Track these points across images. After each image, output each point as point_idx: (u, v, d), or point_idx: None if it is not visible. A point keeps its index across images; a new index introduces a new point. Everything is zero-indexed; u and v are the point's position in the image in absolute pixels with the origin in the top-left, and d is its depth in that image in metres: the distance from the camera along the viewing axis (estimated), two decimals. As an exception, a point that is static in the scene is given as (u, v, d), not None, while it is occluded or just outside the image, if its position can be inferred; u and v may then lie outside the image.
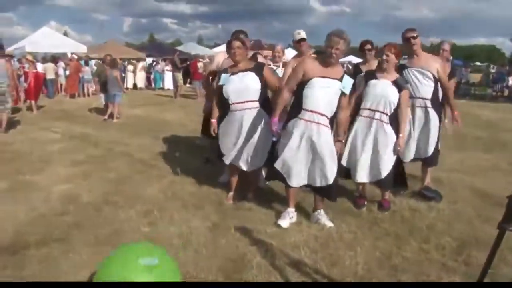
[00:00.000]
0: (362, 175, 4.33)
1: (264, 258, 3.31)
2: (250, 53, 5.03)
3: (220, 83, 4.33)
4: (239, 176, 4.64)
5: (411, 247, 3.59)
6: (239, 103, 4.23)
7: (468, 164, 6.48)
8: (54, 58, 17.55)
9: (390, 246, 3.61)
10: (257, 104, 4.25)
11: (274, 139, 4.16)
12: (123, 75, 19.23)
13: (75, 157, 6.58)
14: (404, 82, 4.36)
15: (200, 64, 17.39)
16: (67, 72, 17.20)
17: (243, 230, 3.79)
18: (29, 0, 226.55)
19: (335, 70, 3.86)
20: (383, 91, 4.18)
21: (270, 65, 5.25)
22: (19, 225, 3.91)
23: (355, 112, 4.33)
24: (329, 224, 3.99)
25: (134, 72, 21.64)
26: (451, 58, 5.25)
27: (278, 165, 4.00)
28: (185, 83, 18.64)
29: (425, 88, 4.64)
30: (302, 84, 3.85)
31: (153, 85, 22.37)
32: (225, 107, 4.34)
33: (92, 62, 18.48)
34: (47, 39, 19.65)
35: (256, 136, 4.27)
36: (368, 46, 5.21)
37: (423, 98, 4.65)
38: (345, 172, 4.40)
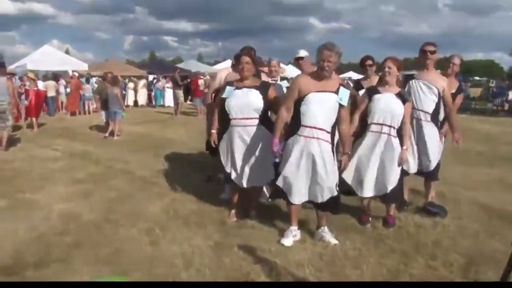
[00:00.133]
0: (368, 190, 4.27)
1: (268, 277, 3.24)
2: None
3: (223, 96, 4.30)
4: (240, 194, 4.58)
5: (418, 264, 3.52)
6: (240, 119, 4.21)
7: (471, 178, 6.43)
8: (56, 76, 17.62)
9: (397, 264, 3.54)
10: (257, 122, 4.22)
11: (276, 160, 4.10)
12: (124, 92, 19.28)
13: (75, 175, 6.53)
14: (407, 94, 4.34)
15: (201, 81, 17.46)
16: (68, 90, 17.26)
17: (246, 248, 3.73)
18: (31, 19, 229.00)
19: (329, 83, 3.84)
20: (388, 105, 4.16)
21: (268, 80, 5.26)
22: (18, 244, 3.84)
23: (361, 129, 4.30)
24: (334, 241, 3.92)
25: (135, 89, 21.70)
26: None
27: (279, 182, 3.96)
28: (185, 100, 18.68)
29: (428, 102, 4.61)
30: (298, 101, 3.84)
31: (153, 102, 22.40)
32: (225, 121, 4.31)
33: (93, 79, 18.55)
34: (48, 57, 19.73)
35: (256, 153, 4.23)
36: (369, 62, 5.21)
37: (424, 111, 4.62)
38: (348, 189, 4.34)
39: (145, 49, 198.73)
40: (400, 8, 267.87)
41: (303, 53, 5.12)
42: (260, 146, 4.22)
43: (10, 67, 16.87)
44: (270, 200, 4.48)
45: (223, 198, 5.11)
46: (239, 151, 4.28)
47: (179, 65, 28.38)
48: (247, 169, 4.30)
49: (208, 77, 19.85)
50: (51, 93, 15.64)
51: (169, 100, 20.94)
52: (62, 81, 17.84)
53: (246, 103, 4.19)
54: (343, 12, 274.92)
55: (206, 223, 4.42)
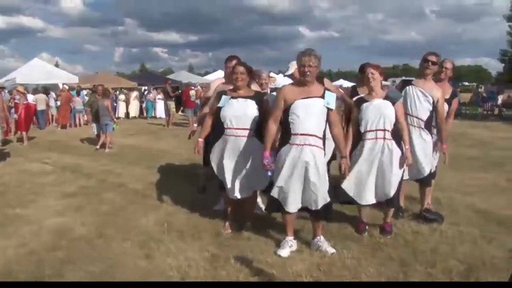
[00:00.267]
0: (370, 197, 4.23)
1: (266, 289, 3.18)
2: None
3: (219, 105, 4.25)
4: (235, 204, 4.52)
5: (417, 273, 3.48)
6: (235, 128, 4.15)
7: (466, 183, 6.42)
8: (46, 89, 17.48)
9: (396, 272, 3.49)
10: (252, 133, 4.17)
11: (269, 173, 4.03)
12: (115, 104, 19.18)
13: (67, 189, 6.43)
14: (395, 94, 4.34)
15: (192, 92, 17.39)
16: (58, 103, 17.13)
17: (243, 260, 3.66)
18: (20, 32, 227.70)
19: (314, 89, 3.83)
20: (378, 110, 4.14)
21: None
22: (9, 261, 3.75)
23: (356, 139, 4.27)
24: (331, 250, 3.87)
25: (126, 101, 21.60)
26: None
27: (274, 193, 3.91)
28: (177, 111, 18.60)
29: (423, 109, 4.60)
30: (286, 111, 3.82)
31: (145, 114, 22.32)
32: (220, 130, 4.25)
33: (84, 92, 18.44)
34: (38, 70, 19.57)
35: (248, 164, 4.18)
36: None
37: (418, 118, 4.61)
38: (349, 200, 4.29)
39: (135, 61, 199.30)
40: (389, 16, 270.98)
41: (292, 67, 5.03)
42: (253, 156, 4.16)
43: (0, 81, 16.71)
44: (265, 211, 4.37)
45: (217, 210, 5.05)
46: (232, 161, 4.21)
47: (170, 76, 28.40)
48: (239, 180, 4.24)
49: (199, 87, 19.85)
50: (41, 107, 15.50)
51: (160, 111, 20.88)
52: (52, 94, 17.71)
53: (243, 114, 4.14)
54: (332, 20, 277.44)
55: (201, 235, 4.35)
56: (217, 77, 23.26)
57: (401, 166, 4.18)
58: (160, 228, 4.57)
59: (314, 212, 3.90)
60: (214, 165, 4.37)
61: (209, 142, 4.42)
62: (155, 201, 5.68)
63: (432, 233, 4.33)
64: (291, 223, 4.03)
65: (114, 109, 17.61)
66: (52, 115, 17.58)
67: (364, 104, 4.22)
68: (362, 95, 4.42)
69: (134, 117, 21.40)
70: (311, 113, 3.75)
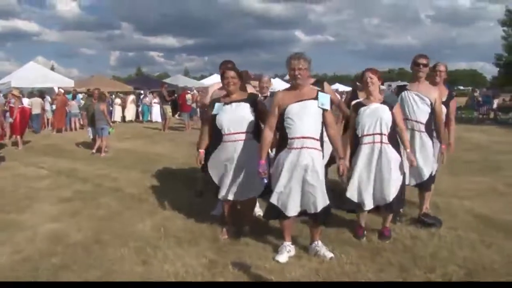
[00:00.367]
0: (369, 202, 4.20)
1: (265, 296, 3.14)
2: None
3: (213, 113, 4.23)
4: (233, 209, 4.48)
5: (417, 278, 3.45)
6: (232, 133, 4.13)
7: (464, 188, 6.40)
8: (41, 93, 17.39)
9: (396, 278, 3.46)
10: (250, 136, 4.15)
11: (265, 181, 3.99)
12: (111, 108, 19.11)
13: (62, 193, 6.37)
14: (392, 98, 4.33)
15: (188, 96, 17.37)
16: (54, 107, 17.04)
17: (241, 266, 3.62)
18: (16, 36, 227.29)
19: (307, 92, 3.82)
20: (375, 114, 4.12)
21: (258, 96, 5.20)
22: (2, 269, 3.69)
23: (354, 143, 4.25)
24: (329, 255, 3.83)
25: (122, 105, 21.54)
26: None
27: (273, 200, 3.85)
28: (173, 115, 18.55)
29: (421, 112, 4.60)
30: (281, 117, 3.81)
31: (141, 118, 22.26)
32: (217, 137, 4.23)
33: (80, 96, 18.36)
34: (33, 74, 19.51)
35: (248, 167, 4.14)
36: None
37: (417, 122, 4.60)
38: (353, 208, 4.27)
39: (131, 65, 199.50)
40: (384, 21, 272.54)
41: None
42: (251, 158, 4.13)
43: (-5, 85, 16.63)
44: (264, 218, 4.29)
45: (215, 215, 5.00)
46: (232, 166, 4.18)
47: (166, 80, 28.37)
48: (239, 183, 4.21)
49: (195, 91, 19.82)
50: (36, 111, 15.40)
51: (156, 115, 20.84)
52: (48, 98, 17.62)
53: (237, 118, 4.12)
54: (328, 25, 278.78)
55: (199, 240, 4.30)
56: (213, 81, 23.20)
57: (400, 170, 4.16)
58: (157, 233, 4.52)
59: (313, 216, 3.85)
60: (211, 172, 4.33)
61: (208, 150, 4.39)
62: (152, 206, 5.64)
63: (431, 238, 4.30)
64: (289, 228, 4.00)
65: (110, 113, 17.53)
66: (48, 119, 17.49)
67: (362, 109, 4.20)
68: (360, 100, 4.40)
69: (131, 121, 21.34)
70: (306, 116, 3.73)
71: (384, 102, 4.19)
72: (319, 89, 4.03)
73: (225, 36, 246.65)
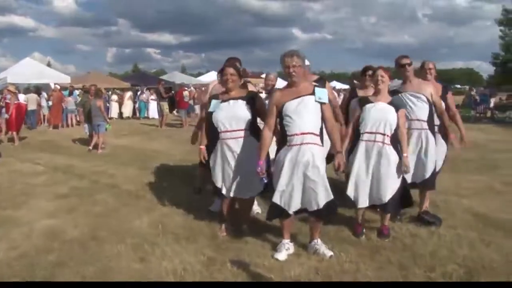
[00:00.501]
0: (363, 200, 4.19)
1: (264, 294, 3.11)
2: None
3: (210, 110, 4.19)
4: (231, 206, 4.45)
5: (417, 277, 3.43)
6: (228, 131, 4.09)
7: (462, 186, 6.39)
8: (38, 89, 17.28)
9: (396, 276, 3.43)
10: (247, 133, 4.11)
11: (264, 181, 3.94)
12: (108, 105, 19.03)
13: (59, 190, 6.32)
14: (400, 101, 4.31)
15: (185, 93, 17.31)
16: (50, 103, 16.95)
17: (240, 264, 3.59)
18: (12, 32, 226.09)
19: (303, 88, 3.80)
20: (381, 114, 4.11)
21: (261, 93, 5.17)
22: (-1, 264, 3.65)
23: (354, 140, 4.23)
24: (329, 253, 3.80)
25: (119, 101, 21.46)
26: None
27: (276, 199, 3.80)
28: (170, 112, 18.47)
29: (420, 110, 4.60)
30: (279, 116, 3.80)
31: (137, 114, 22.18)
32: (214, 135, 4.19)
33: (76, 92, 18.26)
34: (29, 70, 19.37)
35: (246, 166, 4.10)
36: (370, 73, 5.16)
37: (419, 120, 4.60)
38: (351, 202, 4.24)
39: (128, 62, 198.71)
40: (381, 19, 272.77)
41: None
42: (250, 157, 4.09)
43: (-10, 80, 16.50)
44: (266, 219, 4.17)
45: (213, 211, 4.97)
46: (230, 164, 4.14)
47: (163, 77, 28.24)
48: (237, 181, 4.17)
49: (192, 88, 19.75)
50: (31, 107, 15.30)
51: (153, 112, 20.78)
52: (44, 94, 17.51)
53: (233, 115, 4.08)
54: (325, 22, 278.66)
55: (197, 237, 4.27)
56: (210, 78, 23.08)
57: (399, 174, 4.14)
58: (154, 230, 4.49)
59: (316, 212, 3.79)
60: (212, 170, 4.30)
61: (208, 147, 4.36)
62: (149, 202, 5.60)
63: (431, 236, 4.28)
64: (289, 226, 3.97)
65: (107, 109, 17.47)
66: (44, 115, 17.39)
67: (368, 105, 4.18)
68: (367, 95, 4.37)
69: (128, 117, 21.27)
70: (304, 112, 3.71)
71: (391, 103, 4.17)
72: (316, 84, 4.00)
73: (222, 33, 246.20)
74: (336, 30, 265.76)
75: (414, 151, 4.60)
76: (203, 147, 4.38)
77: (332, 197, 3.75)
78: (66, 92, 17.99)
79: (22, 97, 14.42)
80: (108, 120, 11.14)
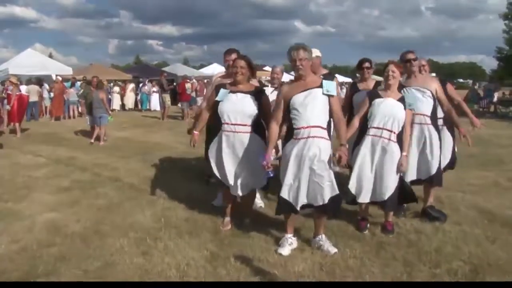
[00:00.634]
0: (365, 195, 4.15)
1: (268, 290, 3.08)
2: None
3: (217, 99, 4.12)
4: (234, 201, 4.41)
5: (422, 273, 3.39)
6: (233, 124, 4.03)
7: (467, 182, 6.34)
8: (39, 80, 17.22)
9: (400, 273, 3.40)
10: (250, 129, 4.06)
11: (270, 175, 3.88)
12: (109, 97, 18.98)
13: (61, 182, 6.29)
14: (411, 99, 4.27)
15: (188, 85, 17.21)
16: (52, 95, 16.90)
17: (243, 259, 3.56)
18: (13, 22, 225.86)
19: (311, 81, 3.75)
20: (390, 110, 4.06)
21: (268, 86, 5.12)
22: (0, 258, 3.62)
23: (360, 134, 4.18)
24: (333, 250, 3.76)
25: (121, 94, 21.41)
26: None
27: (284, 194, 3.74)
28: (173, 104, 18.38)
29: (425, 105, 4.56)
30: (287, 109, 3.76)
31: (139, 106, 22.13)
32: (217, 125, 4.12)
33: (78, 83, 18.21)
34: (31, 61, 19.32)
35: (247, 160, 4.06)
36: (367, 65, 5.14)
37: (422, 114, 4.55)
38: (352, 198, 4.20)
39: (129, 53, 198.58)
40: (384, 12, 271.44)
41: (315, 51, 4.75)
42: (251, 152, 4.04)
43: (-8, 72, 16.45)
44: (276, 214, 4.05)
45: (216, 205, 4.94)
46: (231, 158, 4.10)
47: (166, 69, 28.14)
48: (240, 177, 4.13)
49: (194, 80, 19.65)
50: (33, 98, 15.26)
51: (155, 104, 20.73)
52: (46, 86, 17.46)
53: (240, 109, 4.03)
54: (328, 15, 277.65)
55: (200, 232, 4.24)
56: (213, 70, 22.86)
57: (397, 171, 4.11)
58: (157, 224, 4.46)
59: (321, 207, 3.72)
60: (212, 161, 4.26)
61: (209, 137, 4.31)
62: (152, 196, 5.57)
63: (435, 232, 4.24)
64: (293, 220, 3.93)
65: (109, 101, 17.42)
66: (46, 107, 17.36)
67: (377, 100, 4.13)
68: (377, 90, 4.32)
69: (131, 109, 21.23)
70: (312, 105, 3.66)
71: (401, 100, 4.12)
72: (323, 76, 3.95)
73: (224, 25, 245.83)
74: (339, 23, 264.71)
75: (417, 146, 4.56)
76: (196, 132, 4.34)
77: (337, 192, 3.70)
78: (68, 84, 17.94)
79: (23, 89, 14.38)
80: (110, 112, 11.09)
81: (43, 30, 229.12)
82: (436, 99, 4.61)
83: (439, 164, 4.60)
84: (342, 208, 4.48)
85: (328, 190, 3.66)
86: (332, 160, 3.73)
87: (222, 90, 4.13)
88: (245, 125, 4.04)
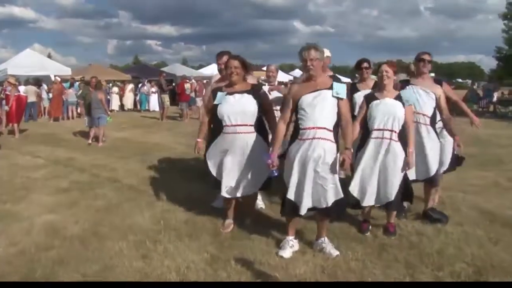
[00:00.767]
0: (370, 199, 4.11)
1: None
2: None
3: (215, 102, 4.09)
4: (234, 202, 4.37)
5: (425, 276, 3.36)
6: (233, 125, 4.00)
7: (467, 182, 6.31)
8: (38, 81, 17.16)
9: (403, 275, 3.36)
10: (251, 129, 4.03)
11: (275, 173, 3.82)
12: (108, 97, 18.92)
13: (59, 183, 6.25)
14: (409, 95, 4.24)
15: (187, 85, 17.16)
16: (50, 95, 16.84)
17: (244, 262, 3.52)
18: (12, 23, 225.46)
19: (321, 81, 3.70)
20: (388, 109, 4.03)
21: (264, 85, 5.08)
22: (-2, 261, 3.58)
23: (363, 138, 4.16)
24: (335, 253, 3.72)
25: (120, 94, 21.35)
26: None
27: (290, 195, 3.68)
28: (172, 104, 18.34)
29: (426, 105, 4.55)
30: (296, 109, 3.71)
31: (138, 107, 22.08)
32: (218, 128, 4.10)
33: (77, 84, 18.16)
34: (30, 61, 19.25)
35: (249, 161, 4.03)
36: (366, 65, 5.12)
37: (423, 114, 4.53)
38: (355, 202, 4.15)
39: (128, 54, 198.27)
40: (383, 12, 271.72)
41: (325, 51, 4.64)
42: (253, 153, 4.01)
43: (-10, 72, 16.39)
44: (281, 215, 4.02)
45: (215, 206, 4.90)
46: (233, 159, 4.06)
47: (165, 69, 28.07)
48: (240, 178, 4.10)
49: (193, 81, 19.58)
50: (31, 98, 15.19)
51: (154, 104, 20.67)
52: (44, 86, 17.40)
53: (240, 110, 3.99)
54: (327, 15, 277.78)
55: (200, 234, 4.19)
56: (212, 70, 22.81)
57: (402, 170, 4.07)
58: (156, 226, 4.42)
59: (325, 210, 3.68)
60: (210, 162, 4.22)
61: (212, 139, 4.28)
62: (151, 197, 5.52)
63: (437, 234, 4.21)
64: (295, 222, 3.89)
65: (108, 101, 17.36)
66: (44, 108, 17.29)
67: (374, 102, 4.10)
68: (373, 92, 4.29)
69: (129, 110, 21.17)
70: (320, 106, 3.61)
71: (397, 98, 4.09)
72: (335, 78, 3.91)
73: (224, 25, 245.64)
74: (338, 23, 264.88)
75: (416, 146, 4.51)
76: (200, 140, 4.33)
77: (342, 195, 3.66)
78: (67, 84, 17.88)
79: (21, 89, 14.32)
80: (109, 112, 11.04)
81: (42, 30, 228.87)
82: (438, 102, 4.59)
83: (438, 165, 4.57)
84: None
85: (332, 193, 3.62)
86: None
87: (219, 93, 4.10)
88: (246, 125, 4.01)
